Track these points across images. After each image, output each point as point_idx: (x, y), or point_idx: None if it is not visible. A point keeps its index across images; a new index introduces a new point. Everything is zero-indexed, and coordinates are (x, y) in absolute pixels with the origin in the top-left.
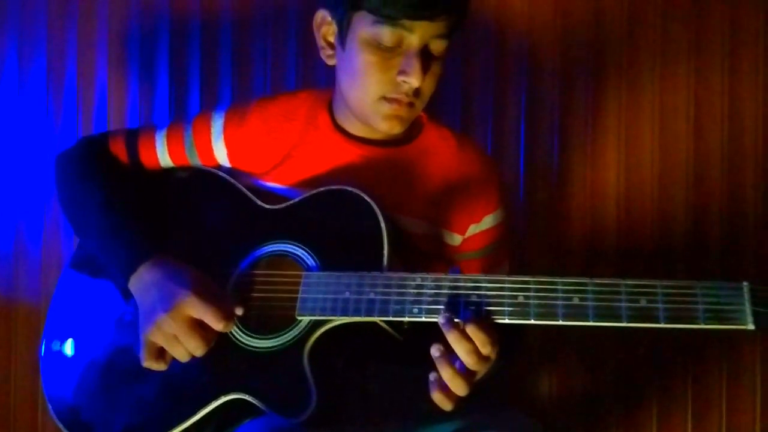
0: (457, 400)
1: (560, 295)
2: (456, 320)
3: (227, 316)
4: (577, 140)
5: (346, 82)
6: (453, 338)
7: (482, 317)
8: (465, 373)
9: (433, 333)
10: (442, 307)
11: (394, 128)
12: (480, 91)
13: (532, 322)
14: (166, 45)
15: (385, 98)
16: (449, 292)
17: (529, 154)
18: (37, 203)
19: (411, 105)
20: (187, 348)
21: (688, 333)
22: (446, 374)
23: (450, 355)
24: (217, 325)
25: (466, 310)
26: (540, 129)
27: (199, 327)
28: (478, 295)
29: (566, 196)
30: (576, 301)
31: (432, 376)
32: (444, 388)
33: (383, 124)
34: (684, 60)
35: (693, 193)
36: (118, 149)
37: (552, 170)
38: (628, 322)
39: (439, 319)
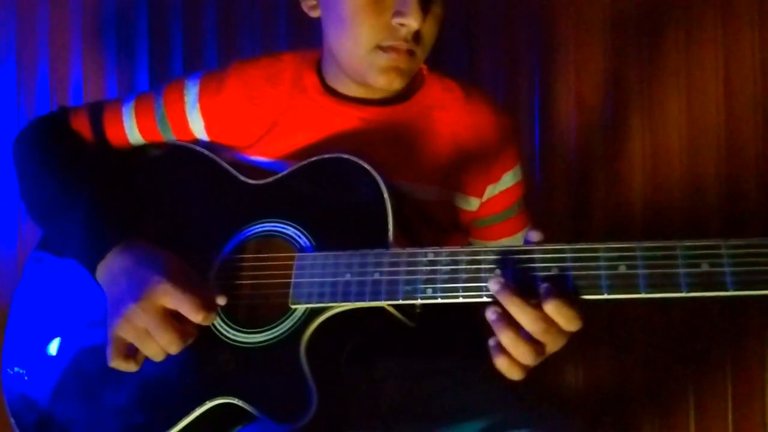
0: (527, 369)
1: (603, 263)
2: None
3: (207, 305)
4: (597, 99)
5: (333, 33)
6: (528, 318)
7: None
8: (530, 339)
9: (452, 317)
10: (459, 285)
11: (394, 82)
12: (488, 42)
13: None
14: (145, 9)
15: (380, 47)
16: (468, 267)
17: (544, 114)
18: (10, 198)
19: (411, 53)
20: (159, 343)
21: (725, 318)
22: (507, 339)
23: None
24: (195, 316)
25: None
26: (556, 87)
27: (174, 319)
28: (503, 270)
29: (586, 160)
30: (623, 269)
31: (492, 341)
32: (508, 354)
33: (380, 78)
34: (711, 18)
35: (725, 159)
36: (81, 125)
37: (570, 133)
38: (689, 292)
39: (491, 286)
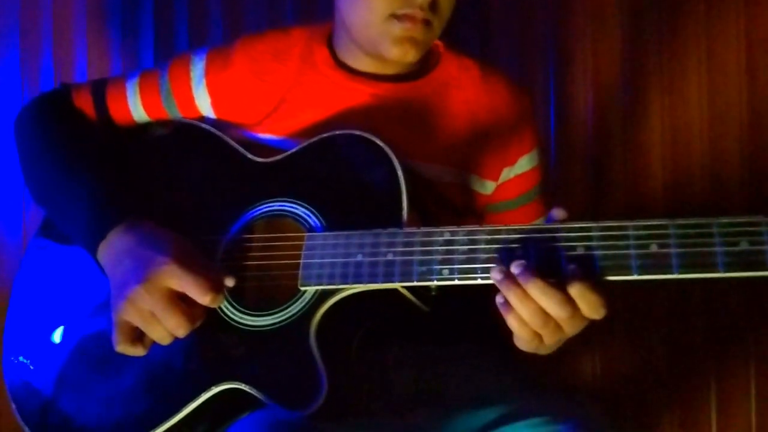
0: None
1: (633, 242)
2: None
3: (215, 286)
4: (614, 80)
5: (347, 1)
6: (555, 301)
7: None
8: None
9: (468, 301)
10: (478, 266)
11: (408, 54)
12: (502, 23)
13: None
14: None
15: (395, 16)
16: (487, 247)
17: (560, 96)
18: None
19: (427, 23)
20: (166, 327)
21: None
22: (514, 323)
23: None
24: (202, 297)
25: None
26: (572, 68)
27: (180, 301)
28: (524, 249)
29: (603, 142)
30: (654, 248)
31: (499, 298)
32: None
33: (394, 49)
34: None
35: (748, 138)
36: (84, 102)
37: (587, 115)
38: (726, 271)
39: (513, 268)
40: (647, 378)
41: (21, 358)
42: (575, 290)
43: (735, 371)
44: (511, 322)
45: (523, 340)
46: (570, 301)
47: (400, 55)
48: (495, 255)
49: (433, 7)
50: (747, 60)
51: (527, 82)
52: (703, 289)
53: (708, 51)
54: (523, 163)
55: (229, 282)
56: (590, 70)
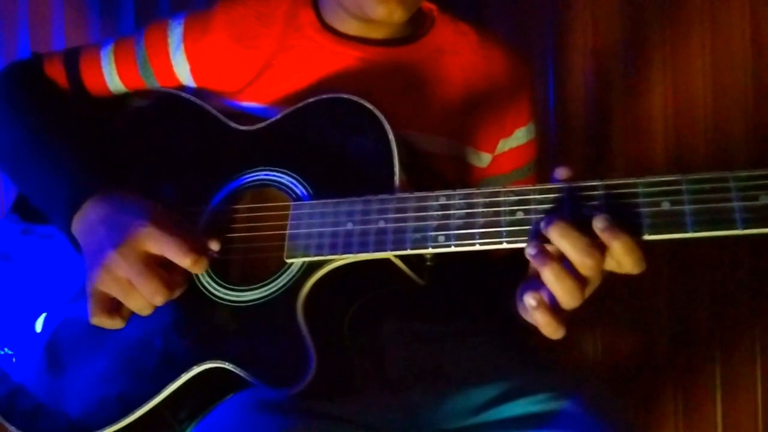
0: (567, 321)
1: (642, 200)
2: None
3: (197, 248)
4: (614, 48)
5: None
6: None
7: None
8: (575, 275)
9: (466, 275)
10: (476, 231)
11: (394, 13)
12: None
13: None
14: None
15: None
16: (485, 210)
17: (559, 65)
18: None
19: None
20: (143, 293)
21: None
22: (550, 276)
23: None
24: (183, 259)
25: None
26: (570, 36)
27: (159, 267)
28: (525, 211)
29: (604, 113)
30: (666, 206)
31: (533, 300)
32: (550, 308)
33: (379, 8)
34: None
35: (752, 109)
36: (56, 72)
37: (587, 85)
38: (746, 228)
39: (542, 224)
40: (651, 364)
41: (6, 350)
42: (606, 235)
43: (740, 357)
44: (547, 275)
45: (561, 297)
46: (601, 245)
47: (386, 14)
48: (493, 218)
49: None
50: (752, 29)
51: (525, 51)
52: (709, 273)
53: (711, 19)
54: (520, 136)
55: (214, 245)
56: (590, 41)
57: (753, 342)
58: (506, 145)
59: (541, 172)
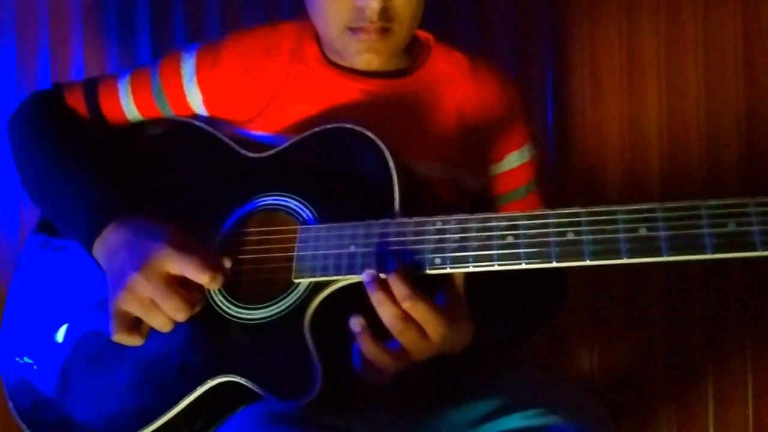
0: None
1: (622, 226)
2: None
3: (213, 266)
4: (613, 72)
5: (311, 14)
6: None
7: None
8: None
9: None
10: (469, 254)
11: (371, 63)
12: (499, 14)
13: (588, 263)
14: None
15: (350, 29)
16: (479, 234)
17: (558, 89)
18: (13, 184)
19: (385, 31)
20: (166, 311)
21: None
22: (374, 300)
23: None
24: (202, 277)
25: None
26: (569, 59)
27: (178, 285)
28: (515, 236)
29: (602, 134)
30: (643, 232)
31: (357, 326)
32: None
33: (357, 59)
34: None
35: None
36: (76, 101)
37: (585, 110)
38: (714, 253)
39: (363, 278)
40: (644, 374)
41: (26, 359)
42: (408, 304)
43: (732, 368)
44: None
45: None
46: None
47: (364, 64)
48: (486, 242)
49: (386, 15)
50: (744, 42)
51: (525, 75)
52: (701, 285)
53: (705, 43)
54: (512, 160)
55: (227, 262)
56: (588, 60)
57: (744, 355)
58: (498, 169)
59: (543, 191)
